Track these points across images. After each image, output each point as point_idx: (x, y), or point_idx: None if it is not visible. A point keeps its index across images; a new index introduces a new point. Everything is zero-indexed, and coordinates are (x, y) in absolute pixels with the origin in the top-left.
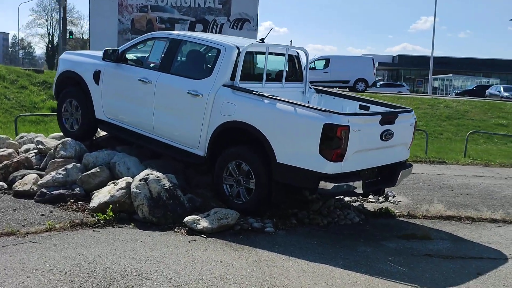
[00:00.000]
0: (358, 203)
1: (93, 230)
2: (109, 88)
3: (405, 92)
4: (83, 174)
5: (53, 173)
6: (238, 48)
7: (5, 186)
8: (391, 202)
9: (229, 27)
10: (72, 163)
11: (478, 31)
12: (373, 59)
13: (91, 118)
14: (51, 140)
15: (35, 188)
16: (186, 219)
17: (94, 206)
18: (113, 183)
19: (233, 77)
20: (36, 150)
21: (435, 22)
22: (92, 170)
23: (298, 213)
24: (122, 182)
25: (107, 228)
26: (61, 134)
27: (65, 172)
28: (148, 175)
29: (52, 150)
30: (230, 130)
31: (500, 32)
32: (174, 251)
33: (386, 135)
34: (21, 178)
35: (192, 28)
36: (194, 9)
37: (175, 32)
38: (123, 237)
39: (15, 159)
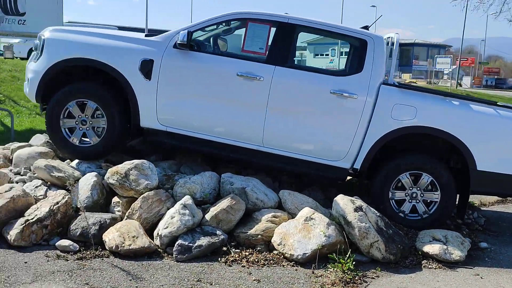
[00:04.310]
0: None
1: None
2: (174, 85)
3: None
4: (218, 210)
5: (176, 216)
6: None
7: (76, 246)
8: None
9: None
10: (186, 197)
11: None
12: None
13: (130, 126)
14: (66, 165)
15: (157, 242)
16: (433, 250)
17: (304, 254)
18: (274, 216)
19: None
20: (39, 182)
21: None
22: (226, 203)
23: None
24: (318, 216)
25: (376, 280)
26: (32, 148)
27: (187, 210)
28: (355, 201)
29: (115, 180)
30: (405, 136)
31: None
32: None
33: None
34: (99, 230)
35: None
36: None
37: (277, 13)
38: None
39: (56, 202)
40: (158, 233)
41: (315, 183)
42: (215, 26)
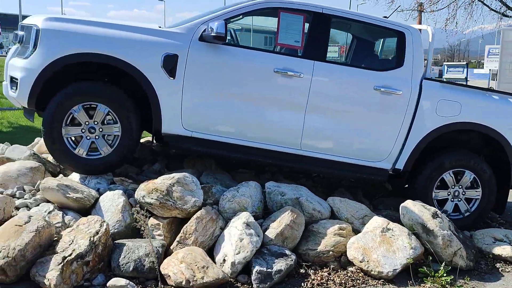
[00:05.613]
0: None
1: None
2: (202, 84)
3: None
4: (282, 226)
5: (245, 237)
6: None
7: (134, 286)
8: None
9: None
10: (245, 214)
11: None
12: None
13: (150, 133)
14: (79, 183)
15: (226, 269)
16: (506, 252)
17: (395, 270)
18: (340, 228)
19: None
20: (50, 207)
21: None
22: (288, 217)
23: None
24: (395, 226)
25: None
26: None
27: (252, 230)
28: (425, 206)
29: (154, 199)
30: (450, 133)
31: None
32: None
33: None
34: (153, 262)
35: None
36: None
37: (311, 3)
38: None
39: (95, 231)
40: (224, 259)
41: (332, 185)
42: (241, 16)
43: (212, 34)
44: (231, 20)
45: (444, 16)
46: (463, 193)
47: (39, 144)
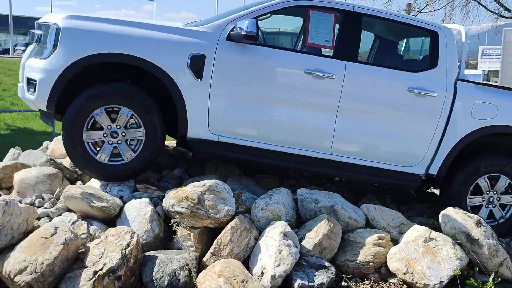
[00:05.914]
0: None
1: None
2: (230, 86)
3: None
4: (320, 236)
5: (284, 249)
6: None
7: None
8: None
9: None
10: (282, 223)
11: None
12: None
13: (176, 138)
14: (101, 191)
15: (264, 283)
16: None
17: (441, 282)
18: (379, 238)
19: None
20: (74, 216)
21: None
22: (325, 226)
23: None
24: (438, 235)
25: None
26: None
27: (290, 240)
28: (467, 213)
29: (185, 207)
30: (485, 137)
31: None
32: None
33: None
34: (189, 276)
35: None
36: None
37: (341, 1)
38: None
39: (126, 244)
40: (262, 272)
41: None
42: (269, 15)
43: (242, 34)
44: (259, 18)
45: (440, 16)
46: (498, 199)
47: (51, 148)
